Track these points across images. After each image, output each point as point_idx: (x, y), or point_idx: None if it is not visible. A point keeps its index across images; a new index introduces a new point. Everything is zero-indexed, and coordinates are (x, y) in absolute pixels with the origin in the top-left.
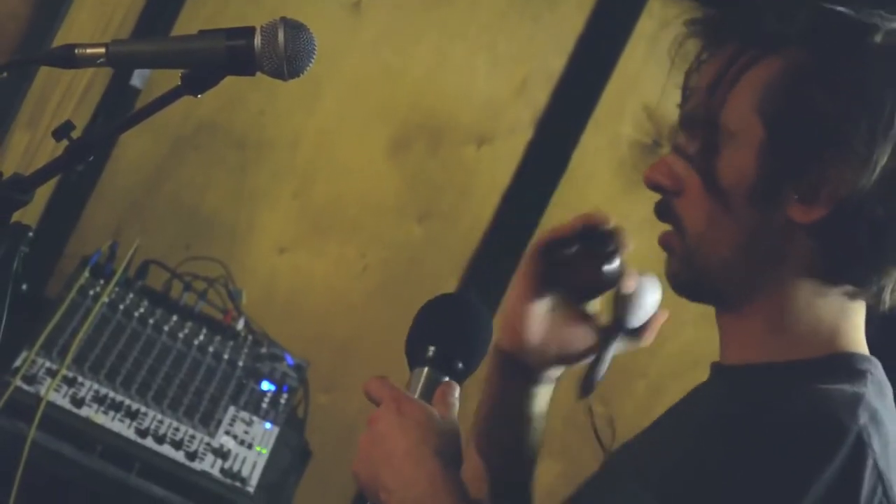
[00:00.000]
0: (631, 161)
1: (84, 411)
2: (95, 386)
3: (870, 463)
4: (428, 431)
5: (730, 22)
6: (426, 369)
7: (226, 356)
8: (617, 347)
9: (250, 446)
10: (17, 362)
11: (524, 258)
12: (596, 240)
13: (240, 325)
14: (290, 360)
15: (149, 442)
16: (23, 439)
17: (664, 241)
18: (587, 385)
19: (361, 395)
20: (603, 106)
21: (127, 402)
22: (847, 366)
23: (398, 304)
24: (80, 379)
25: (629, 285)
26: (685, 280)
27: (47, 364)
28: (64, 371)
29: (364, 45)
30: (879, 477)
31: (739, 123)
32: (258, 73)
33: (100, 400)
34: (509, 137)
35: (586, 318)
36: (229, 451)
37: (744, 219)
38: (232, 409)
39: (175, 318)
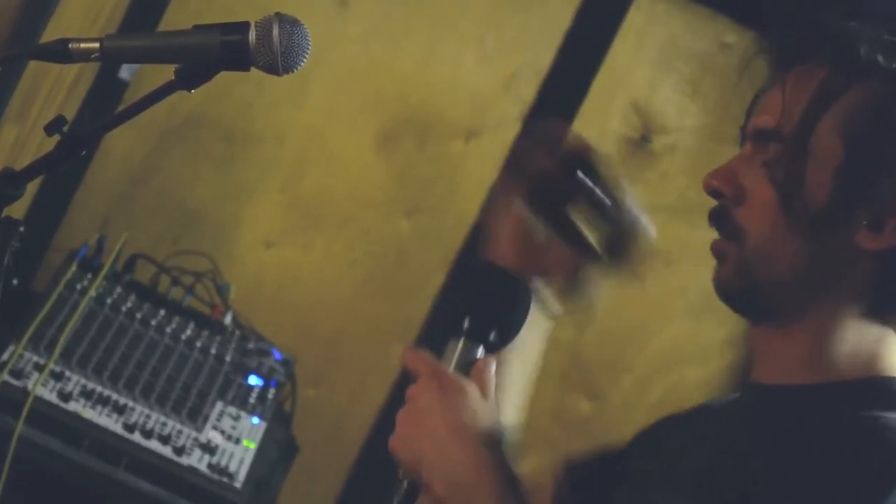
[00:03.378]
0: (618, 156)
1: (71, 406)
2: (83, 380)
3: None
4: (470, 411)
5: (825, 45)
6: (461, 340)
7: (213, 351)
8: (602, 268)
9: (238, 441)
10: (5, 356)
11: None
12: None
13: (227, 319)
14: (277, 354)
15: (136, 437)
16: (10, 434)
17: (717, 248)
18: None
19: (349, 390)
20: (590, 101)
21: (114, 396)
22: (888, 388)
23: (386, 298)
24: (67, 373)
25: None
26: (736, 290)
27: (35, 358)
28: (51, 365)
29: (352, 39)
30: None
31: (820, 144)
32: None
33: (87, 394)
34: (497, 132)
35: (571, 239)
36: (217, 446)
37: (810, 238)
38: (219, 404)
39: (163, 312)
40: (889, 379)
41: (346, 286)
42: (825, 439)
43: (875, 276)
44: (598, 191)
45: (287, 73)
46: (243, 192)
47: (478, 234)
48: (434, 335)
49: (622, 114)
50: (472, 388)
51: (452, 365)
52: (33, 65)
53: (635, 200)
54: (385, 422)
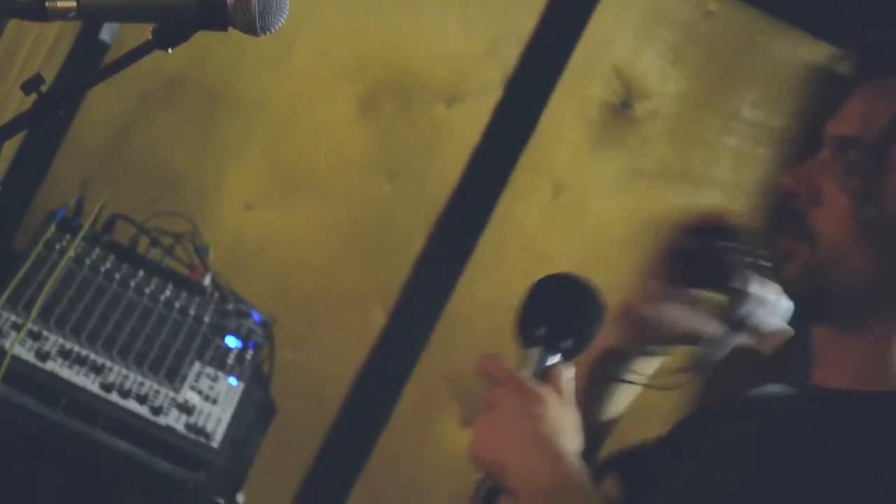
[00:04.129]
0: (600, 122)
1: (49, 365)
2: (61, 340)
3: None
4: (552, 421)
5: None
6: (538, 349)
7: (192, 312)
8: (734, 340)
9: (215, 402)
10: None
11: (667, 236)
12: (730, 236)
13: (206, 280)
14: (256, 316)
15: (113, 396)
16: None
17: (785, 247)
18: (701, 367)
19: (327, 353)
20: (573, 66)
21: (92, 356)
22: None
23: (366, 262)
24: (45, 333)
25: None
26: (805, 289)
27: (13, 318)
28: (29, 325)
29: (335, 2)
30: None
31: None
32: (229, 29)
33: (65, 354)
34: (479, 97)
35: (711, 307)
36: (194, 406)
37: (883, 247)
38: (197, 365)
39: (142, 273)
40: None
41: (326, 249)
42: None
43: None
44: (727, 273)
45: (265, 33)
46: (224, 154)
47: (459, 199)
48: (413, 300)
49: (604, 79)
50: (552, 396)
51: (530, 373)
52: (13, 24)
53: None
54: (363, 385)
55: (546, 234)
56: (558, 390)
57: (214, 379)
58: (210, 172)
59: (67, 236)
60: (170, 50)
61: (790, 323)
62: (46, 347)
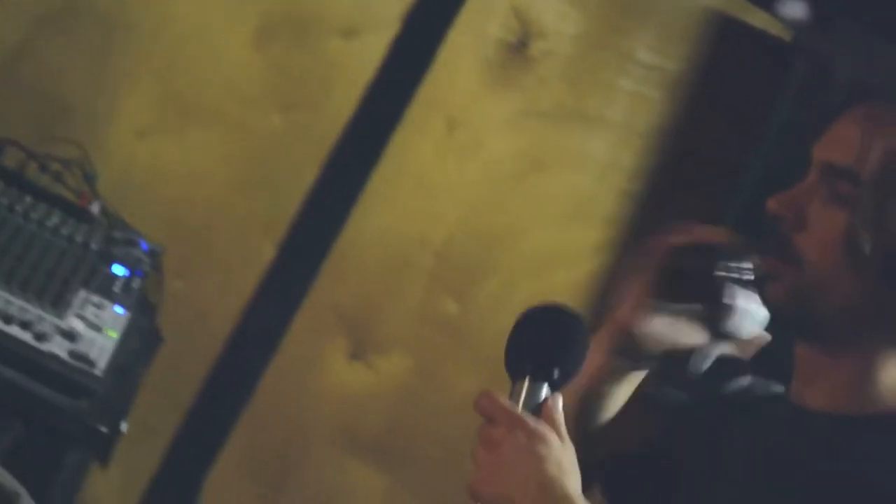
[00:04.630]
0: (496, 60)
1: None
2: None
3: None
4: (555, 462)
5: None
6: (526, 382)
7: (79, 239)
8: (719, 349)
9: (100, 330)
10: None
11: (650, 252)
12: (716, 254)
13: (95, 208)
14: (144, 245)
15: None
16: None
17: (771, 267)
18: (689, 377)
19: (216, 283)
20: (470, 4)
21: None
22: None
23: (257, 193)
24: None
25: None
26: (788, 310)
27: None
28: None
29: None
30: None
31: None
32: None
33: None
34: (377, 31)
35: (697, 319)
36: (78, 333)
37: (869, 282)
38: (83, 293)
39: (29, 198)
40: None
41: (217, 180)
42: (882, 483)
43: None
44: (714, 288)
45: None
46: (117, 81)
47: (353, 133)
48: (304, 232)
49: (501, 18)
50: (552, 436)
51: (520, 406)
52: None
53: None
54: (250, 317)
55: (439, 170)
56: (554, 426)
57: (100, 307)
58: (102, 99)
59: None
60: None
61: (767, 329)
62: None
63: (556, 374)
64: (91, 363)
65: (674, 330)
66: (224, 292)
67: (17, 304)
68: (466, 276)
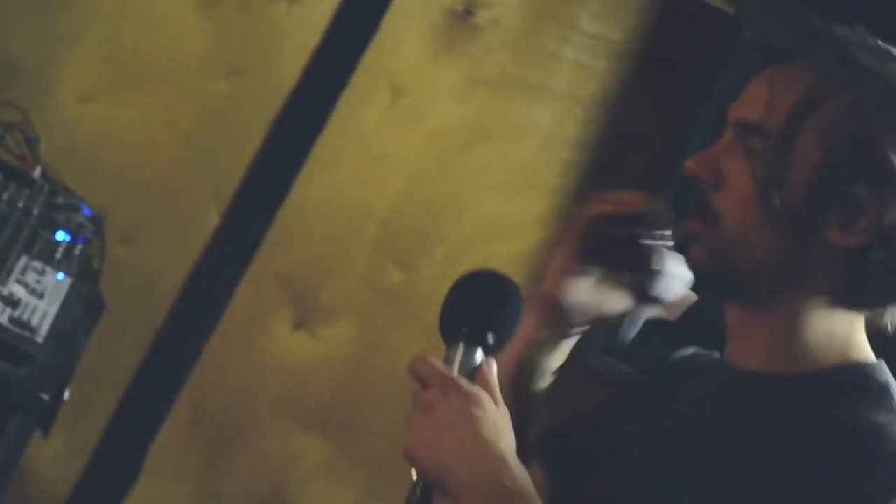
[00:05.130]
0: (442, 27)
1: None
2: None
3: None
4: (490, 424)
5: (815, 48)
6: (461, 346)
7: (20, 204)
8: (647, 313)
9: (41, 296)
10: None
11: (573, 223)
12: (640, 221)
13: (36, 173)
14: (86, 210)
15: None
16: None
17: (693, 229)
18: (617, 343)
19: (160, 251)
20: None
21: None
22: (868, 380)
23: (202, 159)
24: None
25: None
26: (710, 270)
27: None
28: None
29: None
30: None
31: (801, 144)
32: None
33: None
34: None
35: (623, 285)
36: (19, 300)
37: (785, 232)
38: (24, 259)
39: None
40: (864, 366)
41: (162, 145)
42: (814, 441)
43: (844, 271)
44: (640, 252)
45: None
46: (60, 44)
47: (297, 100)
48: (248, 199)
49: None
50: (486, 398)
51: (456, 369)
52: None
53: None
54: (194, 284)
55: (384, 137)
56: (489, 389)
57: (41, 273)
58: (45, 63)
59: None
60: None
61: (693, 289)
62: None
63: (490, 338)
64: (32, 330)
65: (600, 297)
66: (167, 259)
67: None
68: (411, 245)
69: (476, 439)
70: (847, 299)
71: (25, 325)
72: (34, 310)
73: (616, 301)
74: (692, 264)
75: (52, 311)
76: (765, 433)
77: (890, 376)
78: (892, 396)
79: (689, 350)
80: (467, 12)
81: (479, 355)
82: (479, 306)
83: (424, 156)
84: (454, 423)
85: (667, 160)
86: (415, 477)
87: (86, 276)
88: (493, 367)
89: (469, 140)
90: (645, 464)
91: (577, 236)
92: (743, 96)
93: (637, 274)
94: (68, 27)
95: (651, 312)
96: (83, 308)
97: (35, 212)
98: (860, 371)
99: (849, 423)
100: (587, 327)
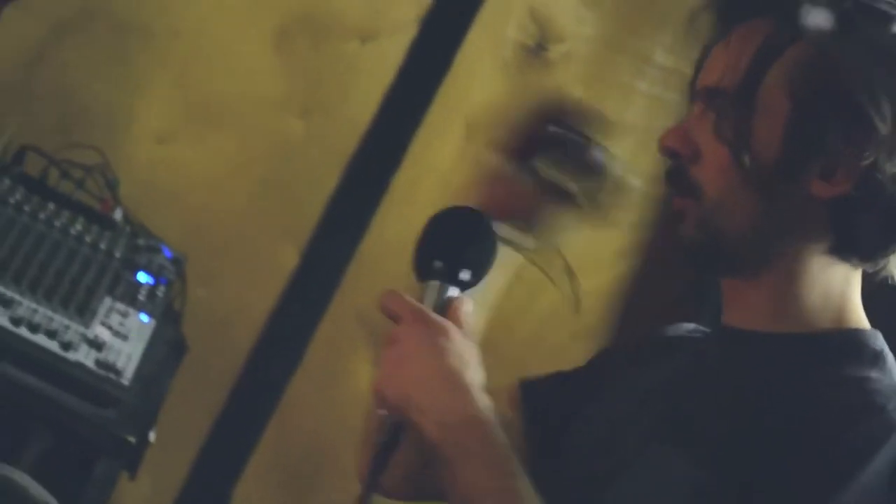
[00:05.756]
0: (514, 63)
1: None
2: None
3: None
4: (456, 354)
5: (769, 2)
6: (435, 283)
7: (102, 246)
8: (566, 214)
9: (126, 338)
10: None
11: (511, 125)
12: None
13: (117, 215)
14: (168, 252)
15: (23, 331)
16: None
17: (677, 206)
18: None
19: (240, 290)
20: (488, 6)
21: (1, 289)
22: (863, 344)
23: (278, 199)
24: None
25: None
26: (699, 244)
27: None
28: None
29: None
30: None
31: (768, 99)
32: None
33: None
34: (394, 35)
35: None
36: (104, 342)
37: (765, 191)
38: (108, 301)
39: (52, 205)
40: (860, 332)
41: (238, 185)
42: (820, 400)
43: (832, 222)
44: (567, 142)
45: None
46: (136, 86)
47: (373, 137)
48: (326, 238)
49: (519, 20)
50: (455, 330)
51: (429, 306)
52: None
53: (609, 152)
54: (275, 324)
55: (460, 173)
56: (459, 323)
57: (125, 315)
58: (121, 104)
59: None
60: None
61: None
62: None
63: (465, 275)
64: (118, 372)
65: (534, 203)
66: (247, 300)
67: (43, 313)
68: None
69: (440, 369)
70: (840, 251)
71: (111, 368)
72: (119, 352)
73: (538, 201)
74: (682, 242)
75: (137, 353)
76: (755, 388)
77: (885, 345)
78: (886, 361)
79: (689, 325)
80: (540, 47)
81: (453, 292)
82: (454, 243)
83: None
84: (419, 353)
85: None
86: (384, 415)
87: (168, 318)
88: (468, 304)
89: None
90: (633, 419)
91: (516, 138)
92: (706, 63)
93: (577, 177)
94: (144, 68)
95: (576, 217)
96: (167, 349)
97: (117, 254)
98: (855, 335)
99: (837, 379)
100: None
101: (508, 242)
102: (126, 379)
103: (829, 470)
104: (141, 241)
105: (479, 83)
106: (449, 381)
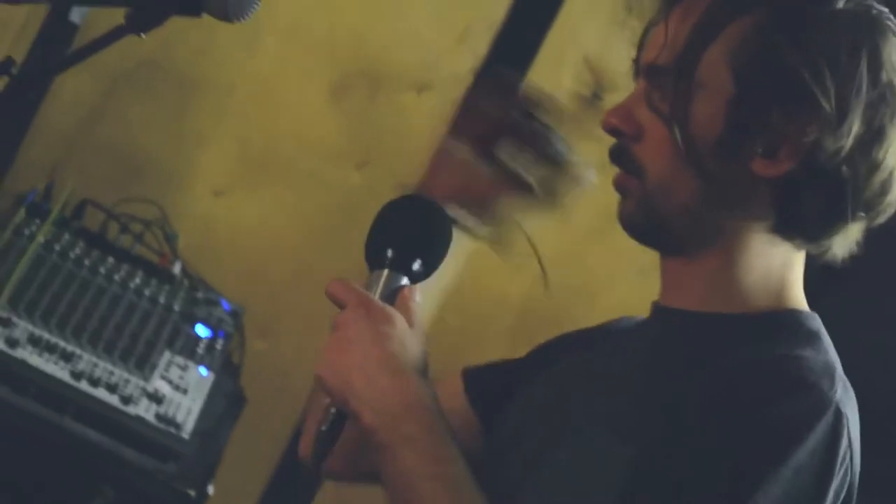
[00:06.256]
0: (571, 113)
1: (18, 353)
2: (30, 327)
3: (845, 432)
4: (398, 341)
5: None
6: (385, 271)
7: (161, 300)
8: (523, 204)
9: (185, 392)
10: None
11: (471, 112)
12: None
13: (176, 268)
14: (226, 305)
15: (83, 385)
16: None
17: (619, 184)
18: (492, 239)
19: (297, 342)
20: (543, 56)
21: (62, 344)
22: (800, 325)
23: (335, 251)
24: (14, 319)
25: None
26: (640, 222)
27: None
28: None
29: None
30: (849, 443)
31: (710, 76)
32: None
33: (35, 341)
34: (449, 85)
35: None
36: (164, 395)
37: (707, 168)
38: (167, 354)
39: (111, 259)
40: (797, 313)
41: (295, 237)
42: (751, 377)
43: (775, 201)
44: (529, 131)
45: (238, 20)
46: (193, 139)
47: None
48: None
49: (574, 70)
50: (399, 318)
51: (377, 295)
52: None
53: (568, 143)
54: None
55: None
56: (406, 312)
57: (184, 368)
58: (179, 158)
59: (37, 221)
60: (143, 35)
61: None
62: (16, 334)
63: (416, 265)
64: (178, 426)
65: (496, 192)
66: (305, 351)
67: (104, 367)
68: (546, 332)
69: (380, 354)
70: (782, 230)
71: (171, 422)
72: (179, 405)
73: (496, 188)
74: (623, 220)
75: (197, 406)
76: (684, 367)
77: (822, 326)
78: (821, 341)
79: (640, 317)
80: (595, 97)
81: (403, 282)
82: (408, 232)
83: (558, 242)
84: (360, 340)
85: None
86: (327, 402)
87: (227, 371)
88: (417, 294)
89: (602, 225)
90: (564, 401)
91: (476, 125)
92: (647, 40)
93: (536, 167)
94: (201, 122)
95: (533, 208)
96: (225, 402)
97: (176, 308)
98: (791, 315)
99: (768, 357)
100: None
101: (464, 228)
102: (186, 432)
103: (758, 449)
104: (199, 294)
105: None
106: (387, 367)
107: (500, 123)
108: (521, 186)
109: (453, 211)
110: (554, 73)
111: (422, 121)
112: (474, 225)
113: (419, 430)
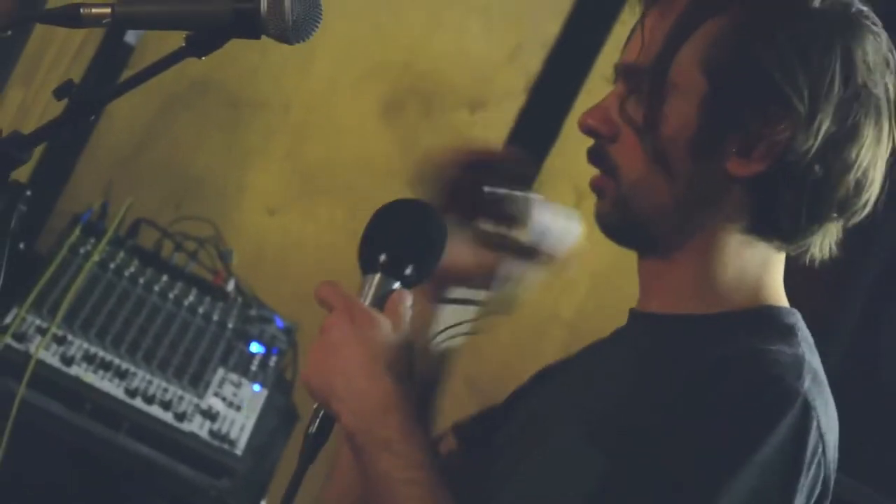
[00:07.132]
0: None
1: (74, 370)
2: (85, 345)
3: (814, 425)
4: (381, 344)
5: None
6: (377, 276)
7: (215, 317)
8: (521, 267)
9: (239, 408)
10: (8, 319)
11: (434, 181)
12: (502, 172)
13: (230, 286)
14: (279, 322)
15: (138, 402)
16: (12, 397)
17: (596, 185)
18: (507, 305)
19: None
20: (596, 73)
21: (116, 361)
22: (775, 320)
23: None
24: (69, 337)
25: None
26: (615, 223)
27: (37, 322)
28: (54, 329)
29: (358, 6)
30: (820, 438)
31: (683, 76)
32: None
33: (89, 359)
34: (502, 103)
35: (495, 241)
36: (218, 412)
37: (682, 169)
38: (221, 371)
39: (165, 277)
40: (773, 308)
41: (348, 255)
42: (716, 373)
43: (751, 202)
44: (503, 203)
45: (297, 41)
46: (247, 158)
47: None
48: None
49: None
50: (384, 322)
51: (368, 300)
52: (39, 29)
53: (544, 200)
54: None
55: None
56: (394, 317)
57: (238, 385)
58: (233, 176)
59: (92, 240)
60: (202, 58)
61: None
62: (71, 352)
63: (408, 270)
64: (231, 443)
65: (472, 257)
66: None
67: (158, 384)
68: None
69: (361, 358)
70: (758, 230)
71: (225, 438)
72: (232, 422)
73: (490, 259)
74: (599, 220)
75: (250, 423)
76: (654, 369)
77: (800, 322)
78: (796, 335)
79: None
80: None
81: (395, 286)
82: (401, 236)
83: (608, 257)
84: (344, 343)
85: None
86: (315, 405)
87: (280, 387)
88: (407, 299)
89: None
90: (543, 412)
91: (441, 193)
92: (628, 42)
93: (506, 227)
94: (254, 140)
95: (531, 268)
96: (278, 419)
97: (230, 325)
98: (767, 311)
99: (737, 353)
100: (458, 290)
101: (464, 303)
102: (239, 449)
103: (721, 447)
104: (253, 312)
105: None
106: (367, 371)
107: (475, 198)
108: (516, 248)
109: (455, 290)
110: (607, 89)
111: (475, 139)
112: (476, 296)
113: (396, 434)
